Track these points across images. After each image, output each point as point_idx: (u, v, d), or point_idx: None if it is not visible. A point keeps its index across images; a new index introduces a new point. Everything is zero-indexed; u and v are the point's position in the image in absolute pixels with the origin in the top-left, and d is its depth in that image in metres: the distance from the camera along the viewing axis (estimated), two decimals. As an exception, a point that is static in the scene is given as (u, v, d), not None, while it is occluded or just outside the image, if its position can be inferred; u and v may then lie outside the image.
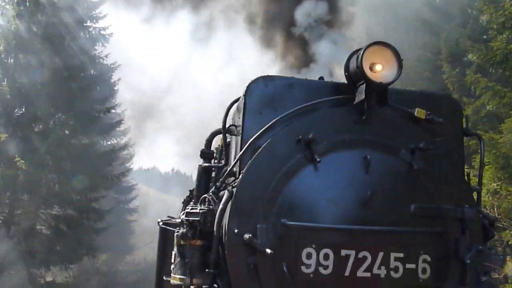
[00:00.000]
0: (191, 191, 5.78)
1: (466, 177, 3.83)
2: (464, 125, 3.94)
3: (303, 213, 3.31)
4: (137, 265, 33.34)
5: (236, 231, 3.23)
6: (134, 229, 34.64)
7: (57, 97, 17.21)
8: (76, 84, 18.32)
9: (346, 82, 3.65)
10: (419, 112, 3.65)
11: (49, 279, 18.81)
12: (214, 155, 4.27)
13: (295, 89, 3.70)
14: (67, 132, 18.47)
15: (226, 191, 3.44)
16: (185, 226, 3.51)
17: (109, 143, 25.75)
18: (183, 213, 3.60)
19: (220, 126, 3.94)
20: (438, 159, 3.58)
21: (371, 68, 3.41)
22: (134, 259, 34.72)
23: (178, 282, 3.64)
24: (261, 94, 3.66)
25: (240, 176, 3.45)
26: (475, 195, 3.87)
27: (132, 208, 34.21)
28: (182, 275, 3.57)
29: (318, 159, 3.37)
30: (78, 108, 18.19)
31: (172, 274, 3.74)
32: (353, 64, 3.46)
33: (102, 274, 23.83)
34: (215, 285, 3.49)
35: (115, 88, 25.31)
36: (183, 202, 6.15)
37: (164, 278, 4.42)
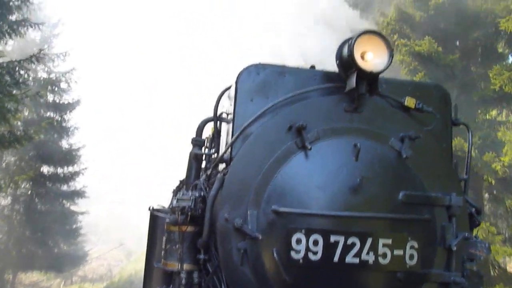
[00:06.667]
0: (181, 181, 5.90)
1: (454, 166, 4.03)
2: (453, 115, 4.15)
3: (293, 199, 3.49)
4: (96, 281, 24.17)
5: (226, 216, 3.39)
6: (84, 226, 22.89)
7: None
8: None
9: (336, 71, 3.81)
10: (409, 101, 3.85)
11: None
12: (205, 143, 4.40)
13: (286, 77, 3.87)
14: None
15: (217, 178, 3.59)
16: (176, 212, 3.64)
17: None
18: (175, 199, 3.73)
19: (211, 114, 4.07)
20: (426, 148, 3.77)
21: (362, 57, 3.58)
22: (92, 274, 24.80)
23: (169, 268, 3.78)
24: (252, 82, 3.82)
25: (231, 162, 3.60)
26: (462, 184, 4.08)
27: (77, 192, 21.47)
28: (173, 261, 3.71)
29: (309, 146, 3.54)
30: None
31: (162, 260, 3.86)
32: (344, 53, 3.63)
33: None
34: (205, 271, 3.63)
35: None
36: (173, 192, 6.27)
37: (155, 265, 4.55)
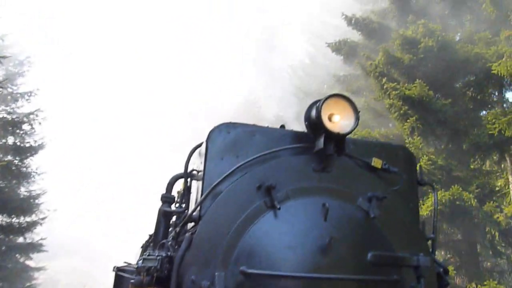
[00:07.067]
0: (150, 236, 5.98)
1: (420, 226, 4.22)
2: (418, 175, 4.38)
3: (262, 260, 3.57)
4: None
5: (193, 278, 3.47)
6: (41, 284, 20.08)
7: None
8: None
9: (305, 131, 4.05)
10: (376, 162, 4.06)
11: None
12: (176, 199, 4.54)
13: (257, 137, 4.06)
14: None
15: (185, 237, 3.71)
16: (141, 273, 3.74)
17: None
18: (141, 259, 3.84)
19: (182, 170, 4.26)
20: (394, 208, 3.96)
21: (329, 119, 3.81)
22: None
23: (133, 331, 3.82)
24: (223, 141, 3.99)
25: (200, 222, 3.75)
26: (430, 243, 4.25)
27: (33, 244, 18.89)
28: (137, 324, 3.76)
29: (278, 206, 3.69)
30: None
31: (126, 323, 3.92)
32: (312, 115, 3.86)
33: None
34: None
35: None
36: (142, 247, 6.32)
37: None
